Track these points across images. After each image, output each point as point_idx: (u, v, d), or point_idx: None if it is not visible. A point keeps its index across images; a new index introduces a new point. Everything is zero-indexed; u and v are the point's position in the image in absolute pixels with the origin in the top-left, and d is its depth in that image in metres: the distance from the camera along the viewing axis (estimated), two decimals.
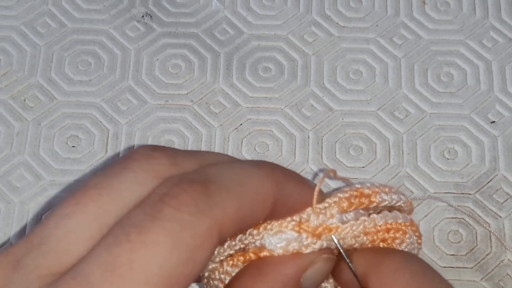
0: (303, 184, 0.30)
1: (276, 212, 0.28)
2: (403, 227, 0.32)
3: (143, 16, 0.50)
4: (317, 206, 0.30)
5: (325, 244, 0.30)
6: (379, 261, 0.29)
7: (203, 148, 0.45)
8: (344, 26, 0.50)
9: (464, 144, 0.45)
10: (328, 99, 0.47)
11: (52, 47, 0.49)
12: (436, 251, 0.42)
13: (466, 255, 0.42)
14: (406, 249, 0.33)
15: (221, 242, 0.26)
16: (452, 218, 0.43)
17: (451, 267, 0.42)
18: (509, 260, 0.42)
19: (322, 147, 0.45)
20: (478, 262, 0.42)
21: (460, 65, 0.48)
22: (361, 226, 0.31)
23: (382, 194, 0.32)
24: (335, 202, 0.31)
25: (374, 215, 0.31)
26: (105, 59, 0.48)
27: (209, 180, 0.26)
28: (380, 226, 0.31)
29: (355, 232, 0.31)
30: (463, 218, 0.43)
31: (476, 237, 0.42)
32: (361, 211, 0.31)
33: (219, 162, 0.28)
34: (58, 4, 0.50)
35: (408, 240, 0.33)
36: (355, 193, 0.31)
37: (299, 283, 0.29)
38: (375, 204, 0.32)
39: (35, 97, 0.47)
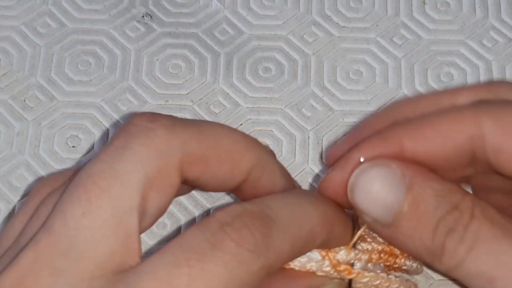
0: (347, 227, 0.30)
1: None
2: None
3: (143, 16, 0.50)
4: (352, 247, 0.31)
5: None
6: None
7: None
8: (344, 26, 0.50)
9: None
10: (328, 99, 0.47)
11: (52, 47, 0.49)
12: None
13: None
14: None
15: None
16: None
17: None
18: None
19: (322, 147, 0.45)
20: None
21: (460, 65, 0.48)
22: (377, 282, 0.31)
23: (406, 261, 0.32)
24: (367, 250, 0.31)
25: (392, 277, 0.32)
26: (105, 59, 0.48)
27: (270, 217, 0.26)
28: None
29: (369, 284, 0.31)
30: None
31: None
32: (381, 265, 0.31)
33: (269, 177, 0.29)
34: (58, 4, 0.50)
35: None
36: (387, 248, 0.32)
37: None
38: (396, 266, 0.32)
39: (35, 97, 0.47)
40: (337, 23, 0.50)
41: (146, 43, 0.49)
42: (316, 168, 0.45)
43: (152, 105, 0.47)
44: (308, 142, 0.45)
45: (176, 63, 0.48)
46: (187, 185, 0.29)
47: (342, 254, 0.30)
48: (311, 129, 0.46)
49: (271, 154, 0.32)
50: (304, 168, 0.45)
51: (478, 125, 0.27)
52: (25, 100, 0.47)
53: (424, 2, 0.50)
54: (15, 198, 0.44)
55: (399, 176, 0.27)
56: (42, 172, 0.45)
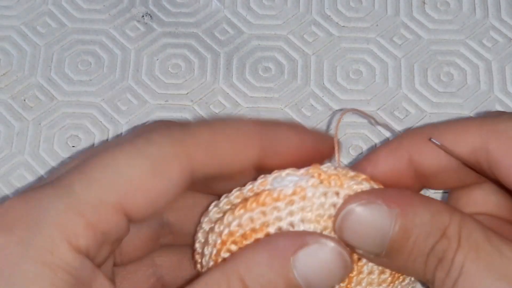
0: (300, 129, 0.31)
1: (274, 158, 0.29)
2: None
3: (143, 16, 0.50)
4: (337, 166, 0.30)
5: (330, 193, 0.29)
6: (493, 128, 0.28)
7: None
8: (344, 26, 0.50)
9: None
10: (328, 99, 0.47)
11: (52, 47, 0.49)
12: None
13: None
14: None
15: (197, 176, 0.27)
16: None
17: None
18: None
19: None
20: None
21: (460, 65, 0.48)
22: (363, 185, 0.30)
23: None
24: (354, 172, 0.30)
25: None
26: (105, 59, 0.48)
27: (186, 123, 0.29)
28: None
29: (354, 187, 0.30)
30: None
31: None
32: None
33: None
34: (58, 4, 0.50)
35: None
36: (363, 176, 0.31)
37: (289, 268, 0.26)
38: None
39: (35, 97, 0.47)
40: (337, 23, 0.50)
41: (146, 43, 0.49)
42: None
43: (152, 104, 0.47)
44: None
45: (176, 63, 0.48)
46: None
47: (327, 165, 0.29)
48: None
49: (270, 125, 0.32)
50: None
51: (482, 138, 0.28)
52: (25, 100, 0.47)
53: (424, 2, 0.50)
54: None
55: (386, 211, 0.27)
56: (42, 172, 0.45)
